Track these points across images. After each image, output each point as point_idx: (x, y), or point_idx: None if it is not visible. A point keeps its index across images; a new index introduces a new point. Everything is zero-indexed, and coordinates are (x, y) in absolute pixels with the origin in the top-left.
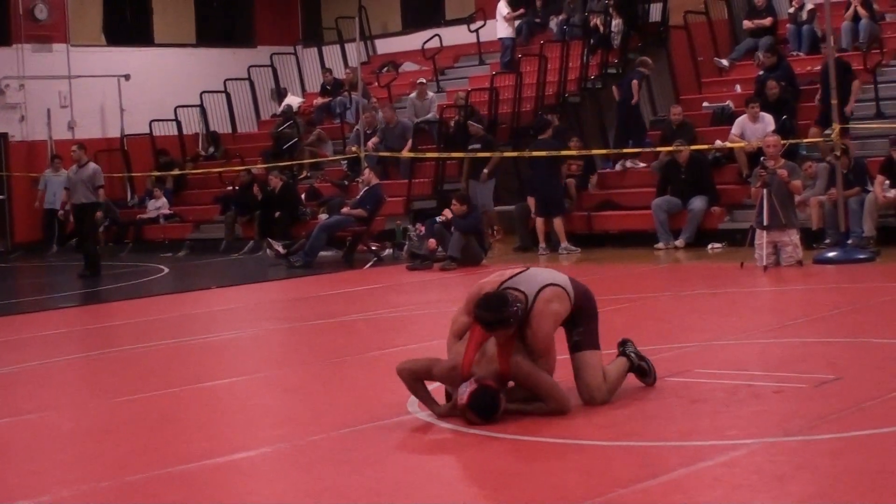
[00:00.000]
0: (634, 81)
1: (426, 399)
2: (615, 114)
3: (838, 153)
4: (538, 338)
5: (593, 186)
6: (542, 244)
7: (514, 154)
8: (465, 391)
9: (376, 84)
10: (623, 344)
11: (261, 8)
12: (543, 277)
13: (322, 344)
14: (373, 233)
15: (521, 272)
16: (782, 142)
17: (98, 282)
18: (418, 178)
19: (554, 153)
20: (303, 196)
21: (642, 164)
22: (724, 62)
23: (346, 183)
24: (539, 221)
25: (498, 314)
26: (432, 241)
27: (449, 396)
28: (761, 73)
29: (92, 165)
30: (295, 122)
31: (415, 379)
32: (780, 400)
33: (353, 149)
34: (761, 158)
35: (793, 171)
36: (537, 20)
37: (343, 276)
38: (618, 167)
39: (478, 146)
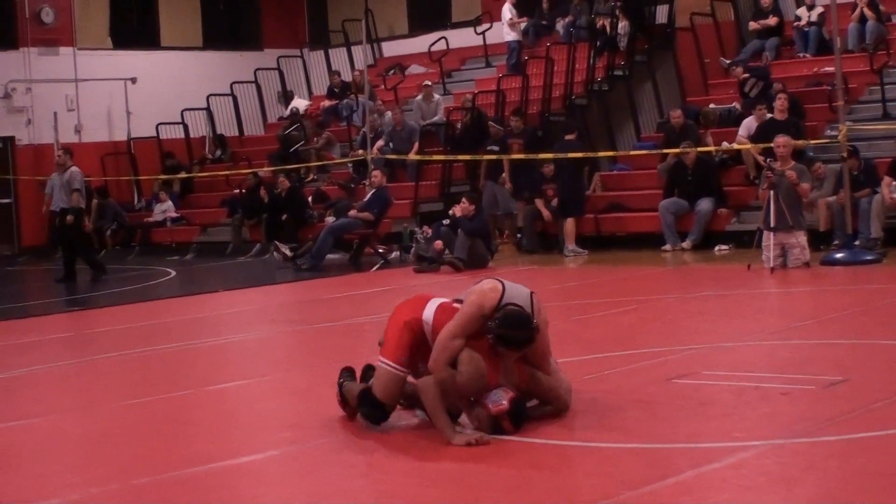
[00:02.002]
0: None
1: (446, 423)
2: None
3: (845, 154)
4: (544, 348)
5: (599, 189)
6: (571, 245)
7: (547, 157)
8: (502, 398)
9: (383, 87)
10: None
11: (267, 11)
12: (521, 289)
13: (329, 347)
14: (380, 235)
15: (503, 290)
16: (793, 142)
17: (105, 285)
18: (425, 180)
19: (580, 155)
20: (310, 199)
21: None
22: (730, 62)
23: (353, 186)
24: (569, 222)
25: (531, 331)
26: (439, 243)
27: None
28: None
29: (72, 169)
30: (302, 125)
31: (440, 396)
32: (788, 402)
33: (360, 152)
34: (768, 160)
35: (802, 174)
36: (544, 22)
37: (350, 279)
38: None
39: (496, 148)
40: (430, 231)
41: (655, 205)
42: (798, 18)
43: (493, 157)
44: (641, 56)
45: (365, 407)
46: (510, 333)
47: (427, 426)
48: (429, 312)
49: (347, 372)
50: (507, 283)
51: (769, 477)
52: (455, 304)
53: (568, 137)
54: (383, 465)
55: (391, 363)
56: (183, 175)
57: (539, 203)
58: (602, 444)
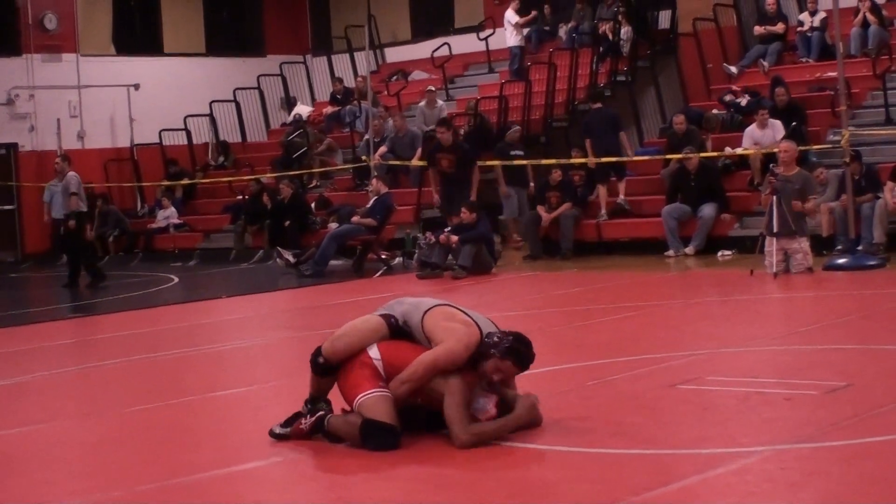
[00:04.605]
0: None
1: (503, 423)
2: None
3: (847, 159)
4: None
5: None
6: (604, 210)
7: (549, 162)
8: (487, 405)
9: (386, 93)
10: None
11: (270, 17)
12: (479, 315)
13: None
14: (383, 242)
15: (476, 323)
16: (798, 148)
17: (107, 291)
18: (428, 186)
19: (580, 160)
20: (312, 205)
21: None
22: (733, 69)
23: (360, 182)
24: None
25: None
26: (454, 237)
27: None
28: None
29: (68, 175)
30: (305, 131)
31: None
32: (791, 407)
33: (363, 158)
34: (771, 165)
35: (806, 181)
36: (546, 28)
37: (353, 285)
38: None
39: (520, 153)
40: (432, 237)
41: (658, 210)
42: (801, 24)
43: (522, 162)
44: (644, 61)
45: (374, 439)
46: (525, 350)
47: (430, 434)
48: (373, 351)
49: (325, 403)
50: (467, 309)
51: (773, 482)
52: (397, 342)
53: (594, 106)
54: (387, 471)
55: (372, 390)
56: (186, 181)
57: (541, 209)
58: (605, 449)
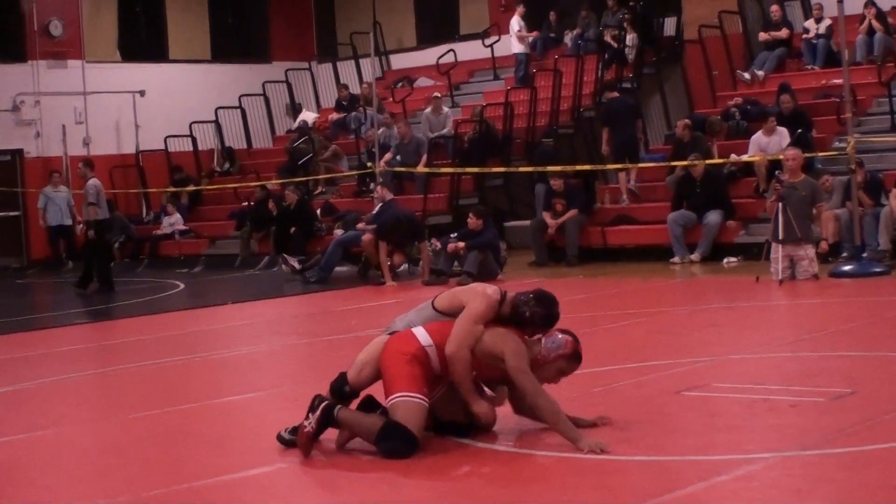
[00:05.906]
0: None
1: (571, 429)
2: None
3: (854, 166)
4: None
5: (608, 201)
6: (626, 195)
7: (555, 169)
8: (559, 342)
9: (391, 99)
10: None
11: (276, 23)
12: None
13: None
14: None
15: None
16: (804, 155)
17: (113, 298)
18: (433, 193)
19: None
20: (318, 211)
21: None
22: (747, 75)
23: (365, 188)
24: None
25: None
26: (460, 244)
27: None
28: None
29: (88, 182)
30: (310, 138)
31: (557, 405)
32: (796, 414)
33: (369, 164)
34: (776, 172)
35: (814, 189)
36: (552, 35)
37: (358, 292)
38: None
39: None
40: (438, 244)
41: (664, 217)
42: (806, 31)
43: (531, 168)
44: (649, 68)
45: (392, 442)
46: (552, 311)
47: (435, 440)
48: (424, 338)
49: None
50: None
51: (778, 489)
52: (442, 320)
53: (611, 95)
54: (392, 478)
55: (413, 394)
56: (191, 188)
57: (546, 216)
58: (611, 456)
